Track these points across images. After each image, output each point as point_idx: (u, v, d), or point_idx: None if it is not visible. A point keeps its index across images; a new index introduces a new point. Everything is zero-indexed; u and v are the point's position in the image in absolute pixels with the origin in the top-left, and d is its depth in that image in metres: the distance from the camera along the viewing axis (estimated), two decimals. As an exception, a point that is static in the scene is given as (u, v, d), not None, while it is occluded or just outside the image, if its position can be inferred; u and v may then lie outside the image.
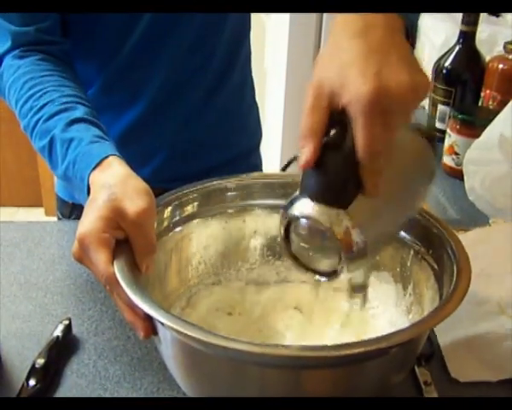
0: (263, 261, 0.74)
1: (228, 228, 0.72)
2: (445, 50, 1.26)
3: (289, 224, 0.55)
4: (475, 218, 0.98)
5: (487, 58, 1.22)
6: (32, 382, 0.61)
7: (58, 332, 0.67)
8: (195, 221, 0.70)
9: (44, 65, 0.75)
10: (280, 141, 2.17)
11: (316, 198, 0.52)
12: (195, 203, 0.70)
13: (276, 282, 0.73)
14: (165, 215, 0.67)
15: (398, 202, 0.57)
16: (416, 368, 0.64)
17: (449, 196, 1.10)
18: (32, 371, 0.62)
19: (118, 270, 0.55)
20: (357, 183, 0.51)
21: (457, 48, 1.22)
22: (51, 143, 0.68)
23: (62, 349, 0.66)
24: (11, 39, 0.76)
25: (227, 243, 0.72)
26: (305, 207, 0.53)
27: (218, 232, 0.72)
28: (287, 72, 2.04)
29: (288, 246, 0.57)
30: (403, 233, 0.65)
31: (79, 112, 0.70)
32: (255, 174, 0.75)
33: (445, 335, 0.68)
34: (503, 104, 1.09)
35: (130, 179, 0.60)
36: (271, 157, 2.16)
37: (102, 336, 0.69)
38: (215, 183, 0.72)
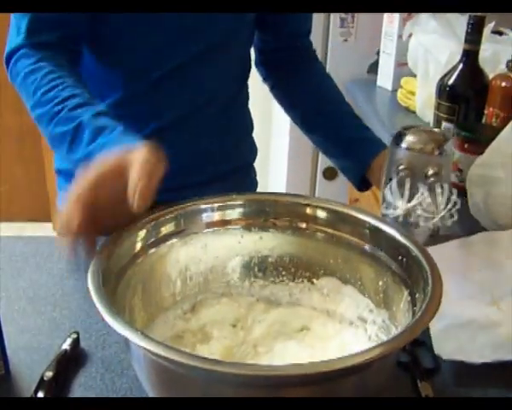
0: (277, 280, 0.74)
1: (243, 242, 0.73)
2: (450, 68, 1.27)
3: None
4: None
5: (490, 76, 1.23)
6: (40, 394, 0.62)
7: (66, 346, 0.68)
8: (213, 229, 0.72)
9: (65, 61, 0.80)
10: (286, 157, 2.18)
11: None
12: (216, 213, 0.72)
13: (288, 303, 0.73)
14: (182, 219, 0.70)
15: None
16: (418, 382, 0.65)
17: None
18: (41, 384, 0.63)
19: (91, 278, 0.56)
20: None
21: (461, 66, 1.23)
22: (77, 128, 0.73)
23: (70, 363, 0.67)
24: (27, 39, 0.80)
25: (243, 256, 0.73)
26: None
27: (235, 244, 0.73)
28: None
29: None
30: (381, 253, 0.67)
31: (102, 107, 0.75)
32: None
33: (435, 322, 0.70)
34: (505, 121, 1.10)
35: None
36: (278, 175, 2.18)
37: (110, 349, 0.71)
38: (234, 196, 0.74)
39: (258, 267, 0.74)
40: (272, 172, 2.36)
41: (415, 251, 0.62)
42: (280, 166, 2.20)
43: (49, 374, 0.64)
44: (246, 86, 1.05)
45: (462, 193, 1.10)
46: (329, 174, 2.20)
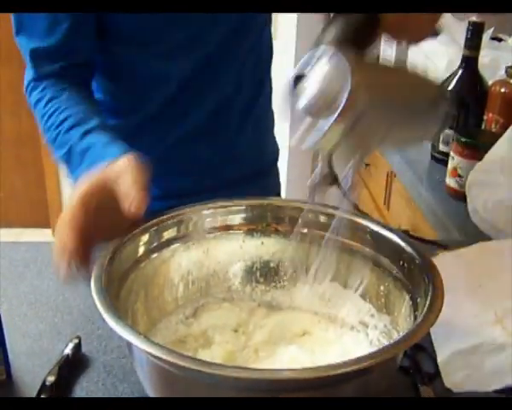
0: (279, 285, 0.74)
1: (245, 247, 0.73)
2: (449, 74, 1.28)
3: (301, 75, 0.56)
4: (478, 239, 0.99)
5: (490, 82, 1.24)
6: (42, 399, 0.62)
7: (68, 351, 0.68)
8: (215, 234, 0.72)
9: (67, 85, 0.83)
10: (286, 162, 2.19)
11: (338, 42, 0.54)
12: (218, 218, 0.72)
13: (289, 307, 0.73)
14: (184, 224, 0.70)
15: (404, 114, 0.58)
16: (419, 387, 0.65)
17: (452, 218, 1.11)
18: (43, 389, 0.63)
19: (94, 283, 0.57)
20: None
21: (460, 72, 1.24)
22: (69, 152, 0.76)
23: (72, 367, 0.67)
24: (35, 73, 0.84)
25: (244, 261, 0.74)
26: (327, 49, 0.54)
27: (237, 249, 0.73)
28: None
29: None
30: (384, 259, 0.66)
31: (93, 123, 0.77)
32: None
33: (441, 348, 0.70)
34: (505, 127, 1.11)
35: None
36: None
37: (111, 354, 0.71)
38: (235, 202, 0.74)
39: (260, 272, 0.74)
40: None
41: (416, 256, 0.62)
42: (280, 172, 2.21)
43: (51, 379, 0.64)
44: (267, 81, 1.04)
45: (462, 198, 1.10)
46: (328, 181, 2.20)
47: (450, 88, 1.25)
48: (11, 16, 0.83)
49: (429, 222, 1.22)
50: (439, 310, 0.54)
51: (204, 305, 0.72)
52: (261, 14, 0.96)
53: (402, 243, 0.65)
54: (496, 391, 0.66)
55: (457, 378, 0.66)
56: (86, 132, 0.76)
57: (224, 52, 0.91)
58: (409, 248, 0.64)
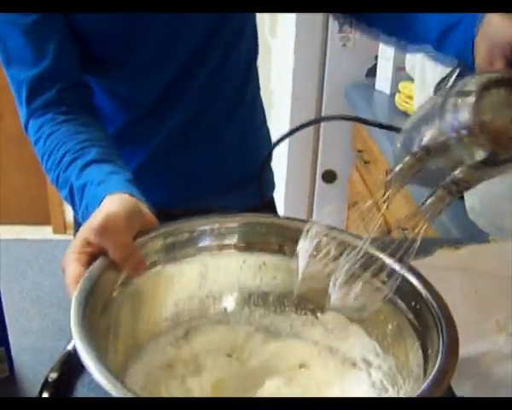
0: (279, 310, 0.69)
1: (245, 267, 0.69)
2: (447, 72, 1.28)
3: None
4: (476, 236, 1.00)
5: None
6: (45, 395, 0.63)
7: (70, 347, 0.68)
8: (211, 252, 0.68)
9: (63, 117, 0.80)
10: (285, 160, 2.20)
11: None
12: (217, 235, 0.68)
13: (287, 335, 0.68)
14: (180, 241, 0.67)
15: None
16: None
17: (451, 216, 1.12)
18: (45, 385, 0.63)
19: (74, 317, 0.53)
20: None
21: (458, 70, 1.24)
22: (71, 191, 0.74)
23: (74, 364, 0.67)
24: (29, 109, 0.81)
25: (244, 282, 0.69)
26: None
27: (236, 268, 0.69)
28: (292, 92, 2.07)
29: None
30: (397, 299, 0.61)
31: (92, 154, 0.74)
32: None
33: None
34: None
35: (104, 204, 0.64)
36: (277, 178, 2.18)
37: (113, 351, 0.71)
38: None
39: (259, 295, 0.69)
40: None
41: (430, 299, 0.57)
42: (279, 170, 2.22)
43: (54, 375, 0.64)
44: (251, 82, 1.01)
45: (460, 196, 1.11)
46: (328, 177, 2.21)
47: (447, 86, 1.25)
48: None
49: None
50: (453, 371, 0.50)
51: (197, 326, 0.67)
52: (237, 19, 0.92)
53: (415, 282, 0.60)
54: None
55: (465, 388, 0.64)
56: (84, 167, 0.73)
57: (194, 66, 0.89)
58: (421, 288, 0.59)
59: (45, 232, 2.87)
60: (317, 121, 0.85)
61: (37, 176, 2.74)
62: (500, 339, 0.70)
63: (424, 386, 0.49)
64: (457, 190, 0.54)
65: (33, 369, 0.68)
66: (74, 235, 1.05)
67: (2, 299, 0.64)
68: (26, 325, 0.75)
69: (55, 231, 2.87)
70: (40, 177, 2.76)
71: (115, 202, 0.63)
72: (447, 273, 0.76)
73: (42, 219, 2.88)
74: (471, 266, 0.78)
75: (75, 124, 0.79)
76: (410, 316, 0.59)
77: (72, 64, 0.83)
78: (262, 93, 1.06)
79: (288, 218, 0.71)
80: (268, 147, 1.09)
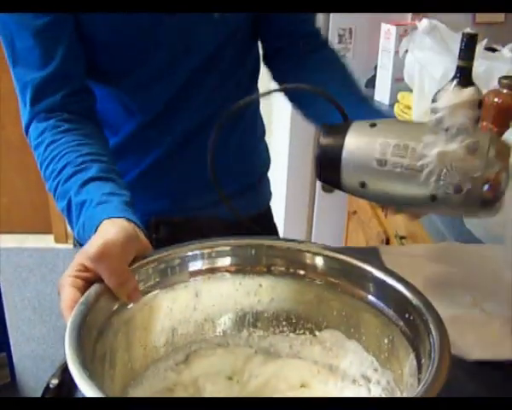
0: (277, 331, 0.69)
1: (241, 289, 0.69)
2: (445, 82, 1.30)
3: None
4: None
5: (484, 91, 1.26)
6: (46, 401, 0.64)
7: (70, 354, 0.70)
8: (206, 276, 0.68)
9: (66, 125, 0.80)
10: (285, 170, 2.21)
11: None
12: (213, 259, 0.68)
13: (287, 355, 0.68)
14: (176, 266, 0.67)
15: None
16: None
17: (447, 224, 1.13)
18: (46, 392, 0.63)
19: (69, 334, 0.53)
20: None
21: (455, 81, 1.26)
22: (68, 205, 0.74)
23: (75, 370, 0.69)
24: (32, 111, 0.81)
25: (240, 304, 0.69)
26: None
27: (231, 292, 0.69)
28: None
29: None
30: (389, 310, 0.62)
31: (93, 171, 0.74)
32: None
33: None
34: (498, 136, 1.13)
35: (101, 229, 0.65)
36: (277, 188, 2.20)
37: (113, 358, 0.72)
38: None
39: (257, 317, 0.69)
40: (271, 186, 2.38)
41: (422, 309, 0.58)
42: (279, 180, 2.23)
43: (55, 382, 0.64)
44: (253, 92, 1.02)
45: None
46: (328, 187, 2.22)
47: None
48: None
49: (425, 229, 1.24)
50: (444, 379, 0.50)
51: (196, 351, 0.67)
52: (245, 30, 0.93)
53: (407, 293, 0.60)
54: (476, 362, 0.68)
55: None
56: (83, 184, 0.73)
57: (200, 77, 0.90)
58: (416, 300, 0.59)
59: (47, 241, 2.87)
60: (280, 90, 0.87)
61: (39, 185, 2.71)
62: (474, 311, 0.73)
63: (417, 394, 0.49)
64: None
65: (34, 375, 0.69)
66: (74, 244, 1.07)
67: (4, 306, 0.65)
68: (28, 331, 0.76)
69: (57, 240, 2.87)
70: (42, 186, 2.74)
71: (112, 230, 0.63)
72: (422, 259, 0.79)
73: (43, 228, 2.89)
74: (444, 258, 0.81)
75: (77, 134, 0.79)
76: (404, 328, 0.59)
77: (79, 69, 0.83)
78: (262, 104, 1.08)
79: (279, 238, 0.72)
80: (267, 157, 1.12)
